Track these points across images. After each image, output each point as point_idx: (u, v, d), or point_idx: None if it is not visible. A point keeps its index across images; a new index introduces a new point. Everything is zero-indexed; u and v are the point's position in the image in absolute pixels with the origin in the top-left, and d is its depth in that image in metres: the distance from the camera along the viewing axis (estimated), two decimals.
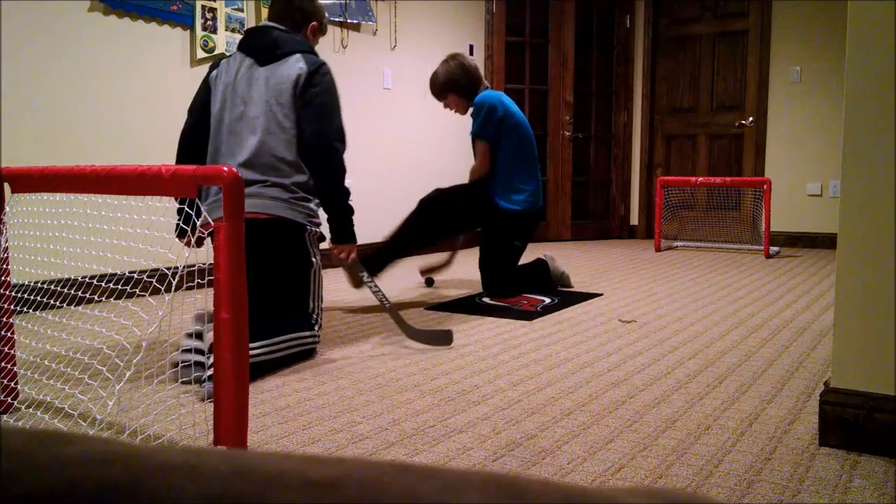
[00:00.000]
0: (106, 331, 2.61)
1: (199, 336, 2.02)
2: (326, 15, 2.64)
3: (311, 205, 2.30)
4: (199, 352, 2.00)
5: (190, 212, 2.26)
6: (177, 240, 2.35)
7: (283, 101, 2.25)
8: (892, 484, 1.33)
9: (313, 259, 2.30)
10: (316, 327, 2.30)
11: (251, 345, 2.02)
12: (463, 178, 5.46)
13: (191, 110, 2.42)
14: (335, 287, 3.65)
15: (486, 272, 3.34)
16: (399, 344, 2.44)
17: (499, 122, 3.27)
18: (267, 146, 2.22)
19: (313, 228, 2.30)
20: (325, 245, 2.44)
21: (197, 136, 2.38)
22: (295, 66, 2.28)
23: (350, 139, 4.50)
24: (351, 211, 2.35)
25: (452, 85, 3.35)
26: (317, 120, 2.25)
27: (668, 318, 2.86)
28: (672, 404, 1.80)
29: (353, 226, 2.37)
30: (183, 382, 1.98)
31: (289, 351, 2.17)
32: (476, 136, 3.34)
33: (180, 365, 2.00)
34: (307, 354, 2.27)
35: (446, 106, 3.47)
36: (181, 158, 2.39)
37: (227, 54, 3.68)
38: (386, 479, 0.25)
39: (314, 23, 2.49)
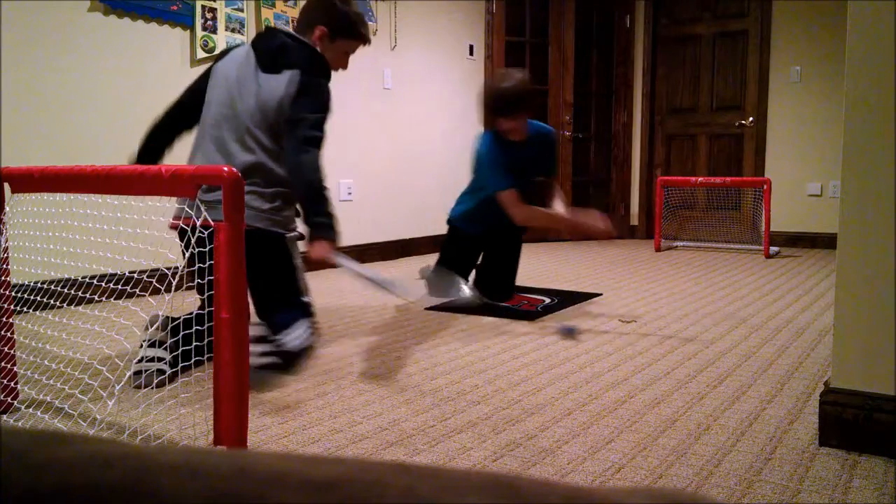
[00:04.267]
0: (106, 331, 2.61)
1: (159, 344, 2.02)
2: (352, 20, 2.34)
3: (289, 212, 2.28)
4: (160, 359, 2.00)
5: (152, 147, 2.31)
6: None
7: (268, 117, 2.16)
8: (893, 484, 1.33)
9: (295, 262, 2.32)
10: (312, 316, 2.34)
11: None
12: (461, 178, 5.46)
13: (181, 98, 2.41)
14: (336, 288, 3.65)
15: (501, 278, 3.24)
16: (398, 342, 2.44)
17: None
18: (248, 156, 2.18)
19: (291, 234, 2.31)
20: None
21: (172, 124, 2.38)
22: (284, 84, 2.16)
23: (350, 139, 4.50)
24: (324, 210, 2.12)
25: (530, 102, 2.86)
26: (295, 148, 2.11)
27: (669, 318, 2.86)
28: (672, 404, 1.80)
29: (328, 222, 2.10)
30: (141, 386, 1.96)
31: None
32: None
33: (143, 374, 1.97)
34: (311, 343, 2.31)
35: (504, 127, 2.86)
36: (148, 140, 2.39)
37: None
38: (386, 479, 0.25)
39: (321, 27, 2.28)
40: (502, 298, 3.21)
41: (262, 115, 2.19)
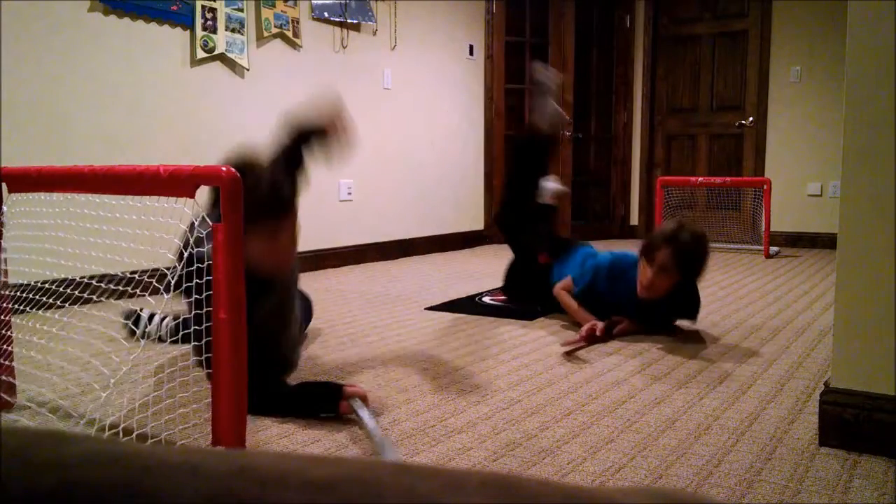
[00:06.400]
0: (105, 330, 2.61)
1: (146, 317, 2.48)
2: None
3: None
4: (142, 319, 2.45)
5: None
6: None
7: None
8: (892, 484, 1.33)
9: None
10: None
11: None
12: (461, 177, 5.46)
13: None
14: (336, 286, 3.65)
15: (524, 282, 3.16)
16: (399, 342, 2.44)
17: None
18: None
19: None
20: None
21: None
22: None
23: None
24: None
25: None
26: None
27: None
28: (672, 404, 1.80)
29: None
30: (130, 327, 2.47)
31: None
32: None
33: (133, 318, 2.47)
34: None
35: (654, 280, 2.40)
36: None
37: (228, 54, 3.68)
38: (386, 479, 0.25)
39: None
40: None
41: None
